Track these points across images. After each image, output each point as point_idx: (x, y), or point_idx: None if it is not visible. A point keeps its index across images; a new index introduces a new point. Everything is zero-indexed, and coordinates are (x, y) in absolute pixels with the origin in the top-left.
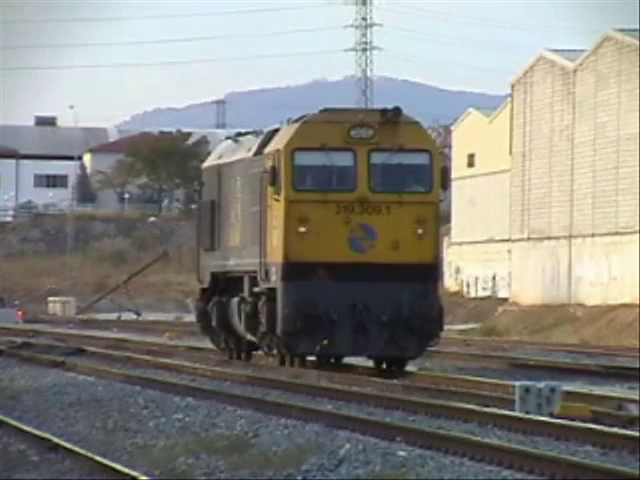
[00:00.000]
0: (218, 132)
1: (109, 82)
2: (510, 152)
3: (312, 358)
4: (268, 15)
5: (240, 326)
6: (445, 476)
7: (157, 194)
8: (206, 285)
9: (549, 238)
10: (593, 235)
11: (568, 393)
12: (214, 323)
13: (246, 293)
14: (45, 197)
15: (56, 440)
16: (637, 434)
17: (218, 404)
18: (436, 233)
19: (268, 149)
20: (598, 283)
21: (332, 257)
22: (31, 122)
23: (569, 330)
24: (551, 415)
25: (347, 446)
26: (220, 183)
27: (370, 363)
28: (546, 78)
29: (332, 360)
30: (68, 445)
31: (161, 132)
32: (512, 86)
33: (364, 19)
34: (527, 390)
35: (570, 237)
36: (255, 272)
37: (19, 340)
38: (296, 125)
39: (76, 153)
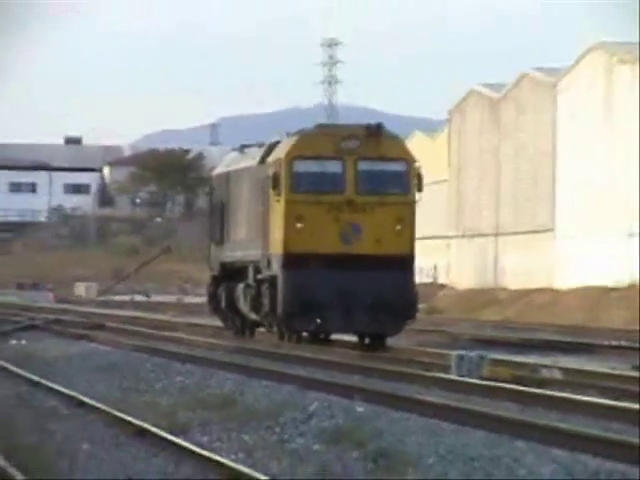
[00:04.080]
0: (212, 149)
1: (126, 107)
2: (448, 165)
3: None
4: (257, 49)
5: (245, 307)
6: (395, 428)
7: (162, 199)
8: (216, 273)
9: (480, 235)
10: (515, 233)
11: (494, 360)
12: (223, 305)
13: (251, 280)
14: (72, 202)
15: (81, 398)
16: (549, 393)
17: (211, 369)
18: (412, 229)
19: (271, 158)
20: (519, 272)
21: (324, 249)
22: (61, 140)
23: (495, 309)
24: (480, 378)
25: (315, 404)
26: (229, 187)
27: (355, 339)
28: (476, 106)
29: (322, 336)
30: (91, 402)
31: (166, 149)
32: (449, 113)
33: (331, 57)
34: (461, 358)
35: (497, 234)
36: (259, 262)
37: (51, 317)
38: (295, 137)
39: (97, 166)
